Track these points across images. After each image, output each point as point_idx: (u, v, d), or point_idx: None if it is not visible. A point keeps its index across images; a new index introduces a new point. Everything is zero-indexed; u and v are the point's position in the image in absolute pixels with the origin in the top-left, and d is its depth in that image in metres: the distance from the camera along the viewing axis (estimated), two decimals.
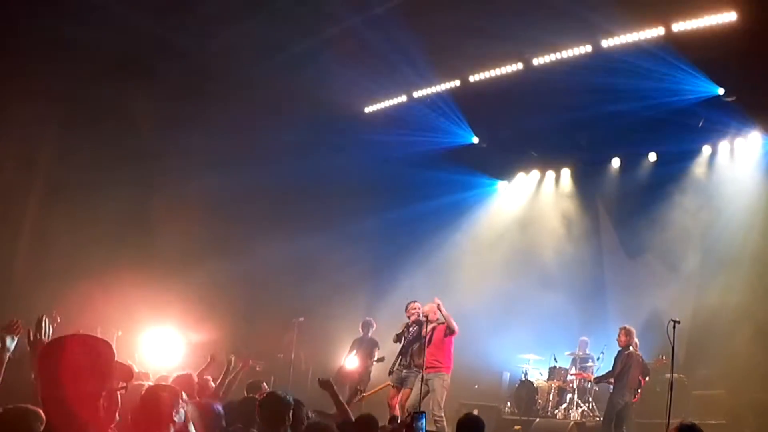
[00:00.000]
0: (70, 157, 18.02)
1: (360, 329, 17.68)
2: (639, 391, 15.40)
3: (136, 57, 16.84)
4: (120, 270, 16.57)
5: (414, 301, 15.28)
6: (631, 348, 15.32)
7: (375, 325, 17.61)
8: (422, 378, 14.30)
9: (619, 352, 15.60)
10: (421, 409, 13.63)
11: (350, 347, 17.64)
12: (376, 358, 17.12)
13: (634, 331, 15.55)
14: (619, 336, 15.60)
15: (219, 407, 7.56)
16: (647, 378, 15.82)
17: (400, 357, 14.93)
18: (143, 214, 18.44)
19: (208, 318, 17.50)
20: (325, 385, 8.94)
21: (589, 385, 17.69)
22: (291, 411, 6.86)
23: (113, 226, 17.81)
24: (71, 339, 3.48)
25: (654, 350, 16.27)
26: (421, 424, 6.63)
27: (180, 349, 16.21)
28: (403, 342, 14.95)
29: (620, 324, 15.90)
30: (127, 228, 18.12)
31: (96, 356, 3.42)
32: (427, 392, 14.32)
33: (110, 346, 3.52)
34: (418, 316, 14.86)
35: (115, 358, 3.52)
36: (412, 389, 14.57)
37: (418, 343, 14.70)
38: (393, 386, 14.89)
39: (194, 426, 6.52)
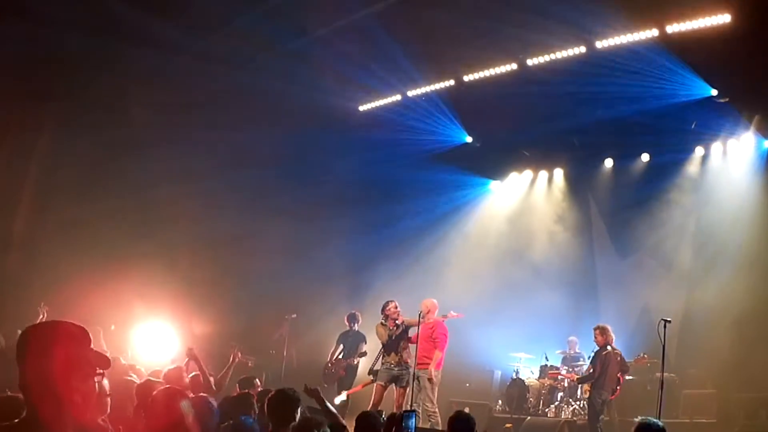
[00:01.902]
0: (64, 151, 18.06)
1: (346, 322, 17.60)
2: (618, 388, 15.47)
3: (132, 55, 16.86)
4: (113, 264, 16.61)
5: (392, 301, 15.15)
6: (609, 347, 15.37)
7: (361, 319, 17.55)
8: (413, 374, 14.35)
9: (597, 352, 15.69)
10: (413, 406, 13.75)
11: (337, 342, 17.61)
12: (358, 353, 17.13)
13: (609, 328, 15.56)
14: (595, 336, 15.69)
15: (214, 403, 7.58)
16: (626, 375, 15.90)
17: (387, 354, 14.85)
18: (137, 208, 18.47)
19: (201, 313, 17.53)
20: (312, 392, 9.00)
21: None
22: (299, 408, 6.93)
23: (107, 220, 17.84)
24: (45, 325, 3.53)
25: (646, 349, 16.27)
26: (411, 423, 6.66)
27: (173, 343, 16.21)
28: (389, 340, 14.91)
29: (612, 322, 15.96)
30: (121, 222, 18.14)
31: (67, 341, 3.41)
32: (419, 389, 14.37)
33: (86, 332, 3.50)
34: (400, 315, 14.86)
35: (91, 345, 3.52)
36: (406, 387, 14.59)
37: (404, 341, 14.79)
38: (382, 385, 14.78)
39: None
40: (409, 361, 14.66)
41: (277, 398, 7.01)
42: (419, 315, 14.37)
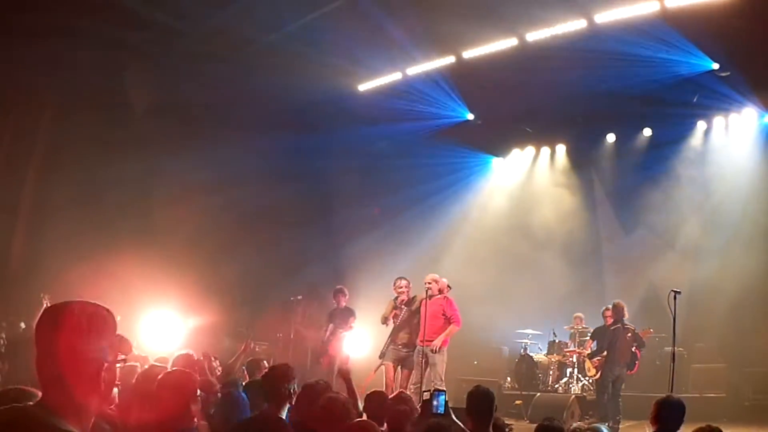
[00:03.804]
0: (69, 137, 18.01)
1: (333, 299, 17.29)
2: (636, 363, 15.49)
3: (134, 38, 16.81)
4: (119, 252, 16.57)
5: (402, 278, 14.86)
6: (619, 324, 15.42)
7: (348, 294, 17.29)
8: (422, 352, 14.00)
9: (606, 327, 15.80)
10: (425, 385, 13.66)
11: (327, 320, 17.29)
12: (347, 327, 16.88)
13: (621, 305, 15.61)
14: (605, 312, 15.95)
15: (243, 395, 7.59)
16: (642, 350, 15.91)
17: (395, 335, 14.50)
18: (143, 195, 18.45)
19: (209, 300, 17.51)
20: (344, 374, 8.97)
21: None
22: (294, 383, 6.83)
23: (113, 207, 17.83)
24: (71, 305, 3.19)
25: (653, 323, 16.28)
26: (440, 401, 6.62)
27: (180, 332, 16.20)
28: (396, 322, 14.56)
29: (618, 297, 15.99)
30: (127, 210, 18.13)
31: (97, 323, 3.18)
32: (427, 366, 14.19)
33: (112, 314, 3.25)
34: (407, 295, 14.61)
35: (116, 330, 3.28)
36: (412, 370, 14.27)
37: (416, 320, 14.37)
38: (391, 365, 14.44)
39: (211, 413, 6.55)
40: (417, 342, 14.28)
41: (271, 375, 6.92)
42: (426, 291, 14.10)
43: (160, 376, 6.12)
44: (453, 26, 16.78)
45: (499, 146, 22.66)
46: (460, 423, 6.57)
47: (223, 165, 19.11)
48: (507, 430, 8.05)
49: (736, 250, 17.16)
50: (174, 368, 7.48)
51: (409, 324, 14.51)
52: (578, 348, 17.92)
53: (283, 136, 19.49)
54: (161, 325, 16.25)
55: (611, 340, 15.42)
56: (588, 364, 17.30)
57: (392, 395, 7.56)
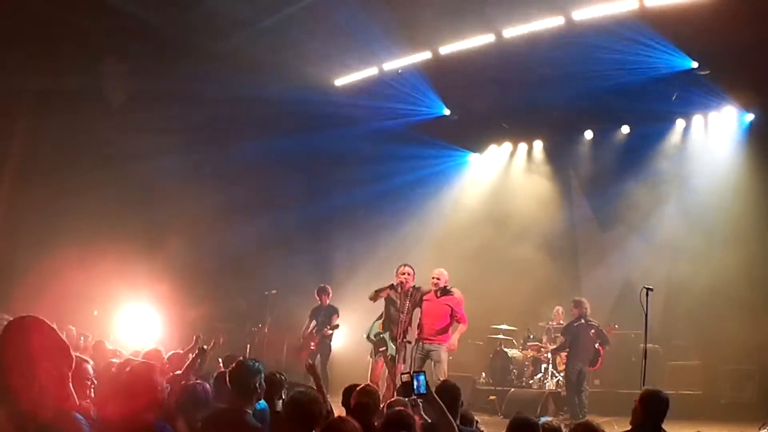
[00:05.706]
0: (46, 128, 17.89)
1: (316, 297, 17.31)
2: (599, 359, 15.85)
3: (108, 33, 16.69)
4: (96, 246, 16.47)
5: (406, 265, 13.93)
6: (582, 320, 15.65)
7: (331, 292, 17.29)
8: (423, 349, 13.57)
9: (569, 324, 15.91)
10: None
11: (309, 317, 17.24)
12: (331, 326, 16.87)
13: (584, 301, 16.03)
14: (571, 309, 16.22)
15: (206, 385, 7.57)
16: (606, 346, 16.02)
17: (393, 325, 13.55)
18: (120, 189, 18.34)
19: (185, 294, 17.45)
20: (310, 369, 8.99)
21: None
22: (261, 378, 6.78)
23: (90, 201, 17.70)
24: (32, 320, 3.56)
25: (630, 321, 16.32)
26: (421, 381, 6.56)
27: (156, 326, 16.15)
28: (393, 311, 13.64)
29: (593, 294, 16.07)
30: (104, 204, 18.01)
31: (55, 337, 3.52)
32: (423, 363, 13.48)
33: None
34: (407, 282, 13.61)
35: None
36: (403, 364, 13.39)
37: (414, 313, 13.72)
38: (377, 359, 13.73)
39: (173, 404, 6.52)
40: (408, 337, 13.60)
41: (237, 371, 6.88)
42: (439, 287, 13.67)
43: (127, 369, 6.15)
44: (430, 21, 16.74)
45: (475, 142, 22.62)
46: (440, 402, 6.56)
47: (199, 158, 19.02)
48: (475, 423, 8.06)
49: (713, 247, 17.17)
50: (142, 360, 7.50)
51: (408, 316, 13.62)
52: (551, 343, 17.97)
53: (257, 131, 19.44)
54: (138, 319, 16.22)
55: (573, 336, 15.69)
56: (559, 359, 17.41)
57: (358, 387, 7.51)
